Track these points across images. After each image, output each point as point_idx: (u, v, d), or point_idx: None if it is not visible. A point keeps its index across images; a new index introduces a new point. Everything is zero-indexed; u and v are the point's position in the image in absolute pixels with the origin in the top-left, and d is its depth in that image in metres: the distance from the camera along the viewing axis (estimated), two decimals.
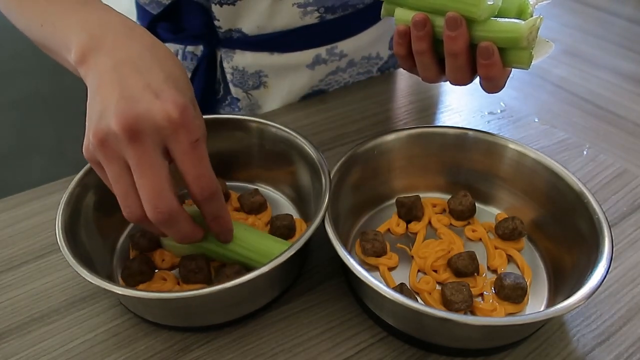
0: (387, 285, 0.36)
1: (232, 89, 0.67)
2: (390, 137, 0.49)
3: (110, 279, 0.44)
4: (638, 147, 0.62)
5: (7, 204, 0.53)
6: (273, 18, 0.61)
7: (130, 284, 0.43)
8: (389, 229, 0.49)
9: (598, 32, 0.89)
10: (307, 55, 0.65)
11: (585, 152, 0.60)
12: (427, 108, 0.68)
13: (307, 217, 0.49)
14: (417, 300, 0.41)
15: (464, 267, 0.43)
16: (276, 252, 0.38)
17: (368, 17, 0.66)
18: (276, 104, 0.68)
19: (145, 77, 0.34)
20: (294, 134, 0.48)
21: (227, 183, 0.52)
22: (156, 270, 0.45)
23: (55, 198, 0.43)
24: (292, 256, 0.37)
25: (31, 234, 0.50)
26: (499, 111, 0.68)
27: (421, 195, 0.50)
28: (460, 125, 0.50)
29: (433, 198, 0.51)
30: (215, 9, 0.60)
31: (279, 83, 0.67)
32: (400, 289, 0.40)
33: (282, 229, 0.46)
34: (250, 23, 0.61)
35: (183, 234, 0.37)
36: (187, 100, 0.34)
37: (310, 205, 0.48)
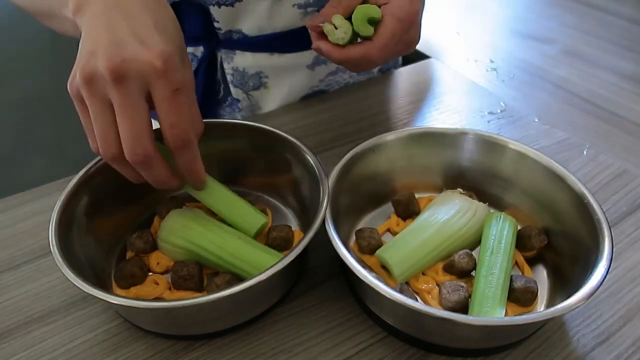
0: (387, 285, 0.36)
1: (233, 90, 0.67)
2: (390, 137, 0.49)
3: (107, 280, 0.44)
4: (638, 147, 0.62)
5: (7, 204, 0.53)
6: (273, 19, 0.61)
7: (123, 286, 0.42)
8: (388, 229, 0.49)
9: (598, 32, 0.89)
10: (307, 55, 0.65)
11: (585, 152, 0.60)
12: (427, 108, 0.68)
13: (307, 227, 0.48)
14: (417, 300, 0.41)
15: (466, 265, 0.42)
16: (267, 265, 0.37)
17: None
18: (276, 105, 0.68)
19: (134, 23, 0.36)
20: (292, 139, 0.48)
21: (232, 189, 0.51)
22: (150, 274, 0.44)
23: (55, 198, 0.43)
24: (283, 268, 0.37)
25: (31, 234, 0.50)
26: (499, 111, 0.68)
27: (421, 195, 0.50)
28: (460, 125, 0.50)
29: (431, 196, 0.51)
30: (214, 10, 0.60)
31: (279, 83, 0.67)
32: (400, 289, 0.40)
33: (278, 240, 0.45)
34: (251, 24, 0.61)
35: (157, 179, 0.39)
36: (172, 49, 0.36)
37: (310, 214, 0.47)
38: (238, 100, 0.68)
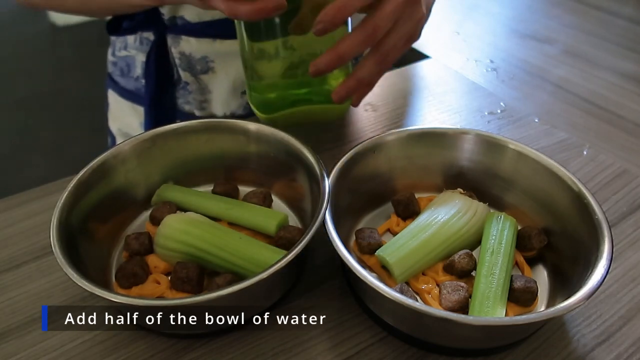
0: (387, 285, 0.36)
1: (182, 73, 0.67)
2: (390, 137, 0.49)
3: (108, 280, 0.44)
4: (638, 147, 0.62)
5: (7, 204, 0.53)
6: None
7: (124, 285, 0.42)
8: (388, 229, 0.49)
9: (598, 32, 0.89)
10: None
11: (585, 152, 0.60)
12: (427, 108, 0.68)
13: (307, 227, 0.48)
14: (417, 300, 0.41)
15: (466, 265, 0.43)
16: (269, 263, 0.37)
17: None
18: (225, 89, 0.67)
19: None
20: (293, 138, 0.48)
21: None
22: (150, 274, 0.44)
23: (55, 198, 0.42)
24: (282, 268, 0.36)
25: (31, 234, 0.50)
26: (499, 111, 0.68)
27: (421, 195, 0.50)
28: (460, 125, 0.50)
29: (431, 196, 0.51)
30: None
31: (225, 68, 0.66)
32: (400, 289, 0.40)
33: (283, 239, 0.45)
34: (191, 10, 0.62)
35: None
36: None
37: (310, 214, 0.47)
38: (187, 83, 0.68)
